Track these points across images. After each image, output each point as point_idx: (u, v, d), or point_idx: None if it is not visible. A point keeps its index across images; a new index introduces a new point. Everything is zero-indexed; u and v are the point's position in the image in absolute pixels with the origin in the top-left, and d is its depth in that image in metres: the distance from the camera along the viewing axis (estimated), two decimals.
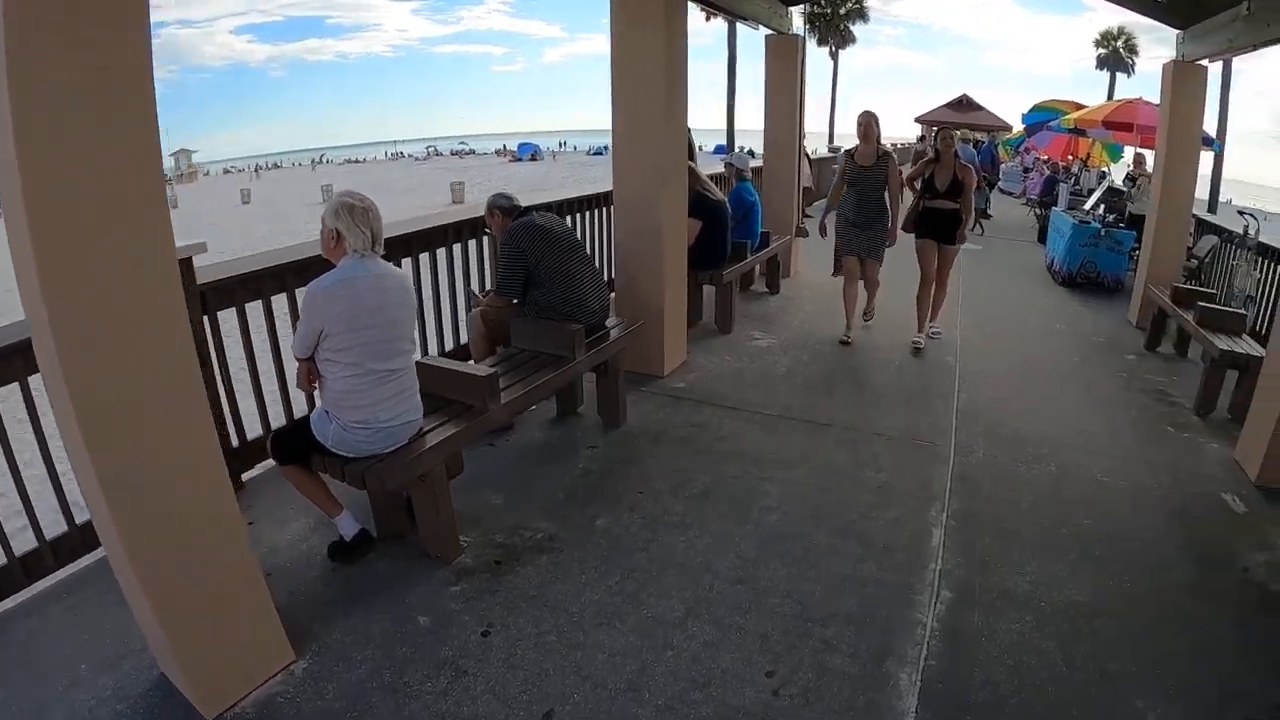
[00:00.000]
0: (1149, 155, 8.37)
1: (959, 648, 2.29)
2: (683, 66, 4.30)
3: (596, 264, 5.11)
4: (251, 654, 2.06)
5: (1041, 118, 13.15)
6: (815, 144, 14.64)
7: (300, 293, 2.61)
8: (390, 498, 2.65)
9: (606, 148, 17.15)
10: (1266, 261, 5.36)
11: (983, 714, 2.05)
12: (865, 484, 3.29)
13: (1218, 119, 13.14)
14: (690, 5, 5.67)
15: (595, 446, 3.55)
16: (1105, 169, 12.97)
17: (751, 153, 7.88)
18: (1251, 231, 5.69)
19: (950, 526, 2.97)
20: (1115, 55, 39.95)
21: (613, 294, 4.39)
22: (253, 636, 2.06)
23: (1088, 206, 8.67)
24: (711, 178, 5.55)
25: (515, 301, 3.49)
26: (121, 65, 1.59)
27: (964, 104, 23.40)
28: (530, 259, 3.38)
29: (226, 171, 65.16)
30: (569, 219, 4.88)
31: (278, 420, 3.15)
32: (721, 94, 22.54)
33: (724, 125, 22.94)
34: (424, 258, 3.90)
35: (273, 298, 3.14)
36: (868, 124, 4.96)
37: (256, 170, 59.22)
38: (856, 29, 41.71)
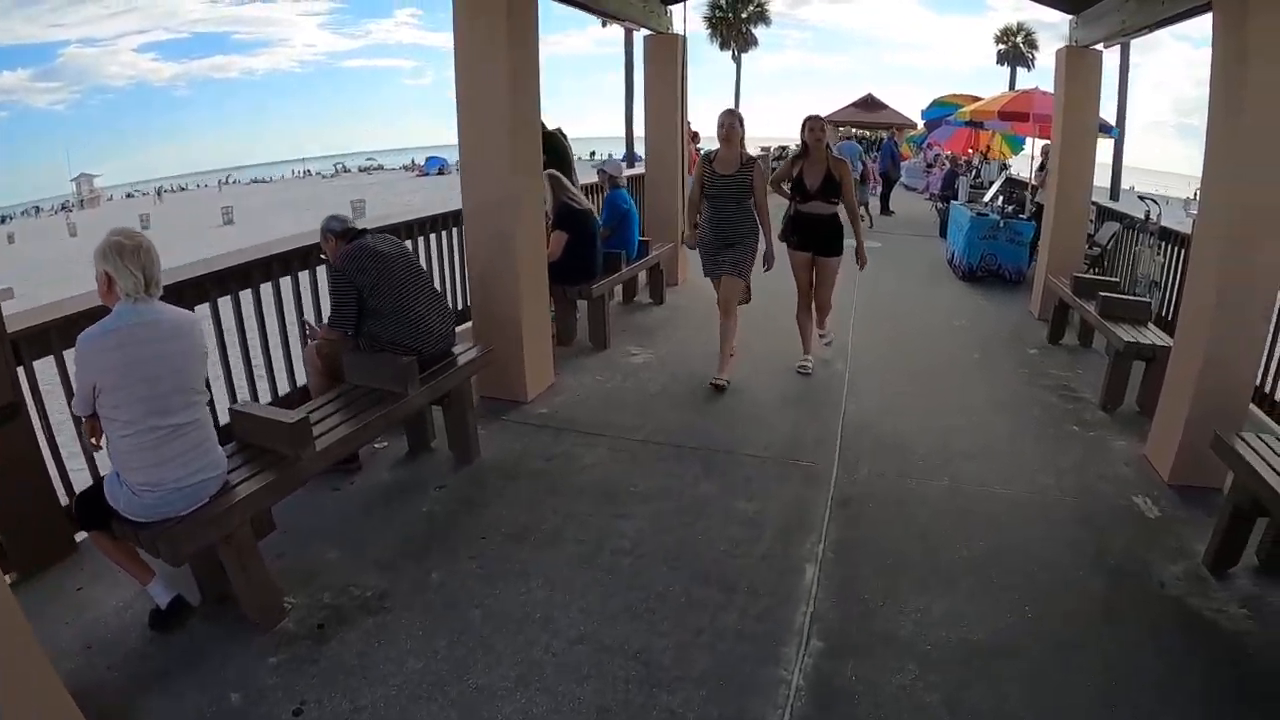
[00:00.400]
0: None
1: (829, 708, 2.04)
2: (533, 61, 3.91)
3: (455, 287, 4.71)
4: None
5: (940, 113, 13.38)
6: (712, 146, 14.50)
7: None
8: (208, 557, 2.40)
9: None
10: (1169, 246, 5.31)
11: None
12: (733, 516, 2.98)
13: (1116, 106, 13.62)
14: (576, 10, 5.30)
15: (444, 486, 3.22)
16: (1007, 161, 13.25)
17: None
18: (1153, 217, 5.69)
19: (826, 560, 2.69)
20: (1015, 50, 41.89)
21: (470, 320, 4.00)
22: None
23: (986, 198, 8.70)
24: (586, 188, 5.17)
25: (349, 334, 3.16)
26: None
27: (869, 103, 24.03)
28: (362, 286, 3.08)
29: (129, 195, 62.23)
30: (420, 240, 4.37)
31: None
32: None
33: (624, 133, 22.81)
34: (265, 288, 3.50)
35: None
36: (730, 125, 4.09)
37: (159, 193, 56.97)
38: (759, 32, 42.52)
